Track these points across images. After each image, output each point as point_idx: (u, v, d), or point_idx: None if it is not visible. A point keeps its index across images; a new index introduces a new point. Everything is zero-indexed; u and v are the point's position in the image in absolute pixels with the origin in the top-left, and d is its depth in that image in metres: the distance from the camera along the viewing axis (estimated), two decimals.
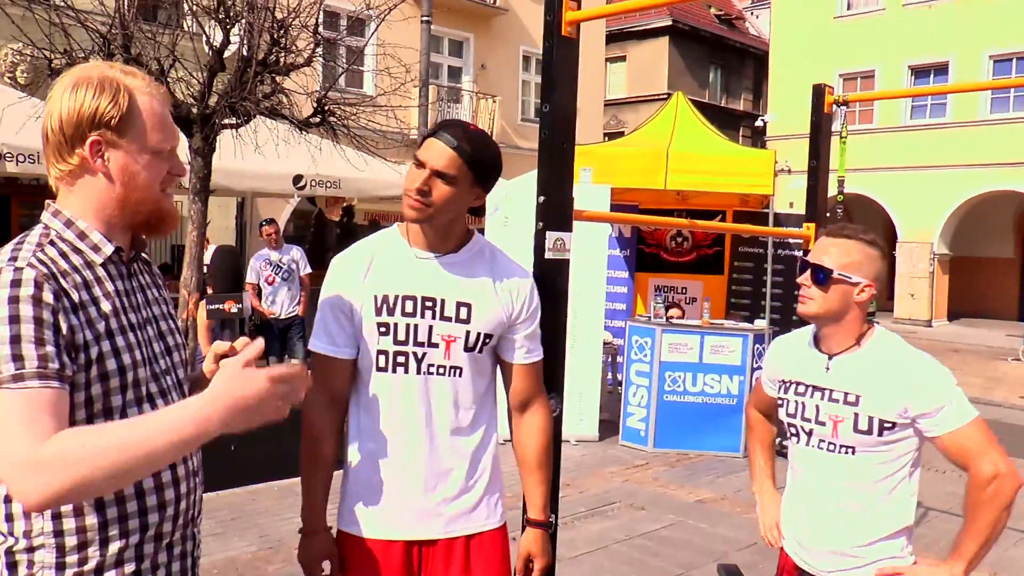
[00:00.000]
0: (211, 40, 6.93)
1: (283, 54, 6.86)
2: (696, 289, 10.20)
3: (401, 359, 2.11)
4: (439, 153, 2.04)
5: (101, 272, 1.54)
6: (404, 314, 2.10)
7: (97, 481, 1.33)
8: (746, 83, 37.25)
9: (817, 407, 2.34)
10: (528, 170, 11.00)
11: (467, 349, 2.13)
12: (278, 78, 7.08)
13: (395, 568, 2.14)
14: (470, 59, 20.78)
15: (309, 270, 8.99)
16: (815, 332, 2.42)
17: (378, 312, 2.10)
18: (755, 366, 7.79)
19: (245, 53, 6.72)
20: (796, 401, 2.41)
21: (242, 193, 13.80)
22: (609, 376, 9.60)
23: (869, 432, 2.24)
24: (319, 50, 7.27)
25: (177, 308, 1.73)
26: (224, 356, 1.72)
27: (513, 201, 7.94)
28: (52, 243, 1.51)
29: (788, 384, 2.45)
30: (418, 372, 2.11)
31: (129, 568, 1.53)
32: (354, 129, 7.42)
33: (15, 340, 1.36)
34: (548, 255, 2.50)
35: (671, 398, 7.84)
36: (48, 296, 1.40)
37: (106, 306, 1.51)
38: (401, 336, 2.10)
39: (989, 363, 16.21)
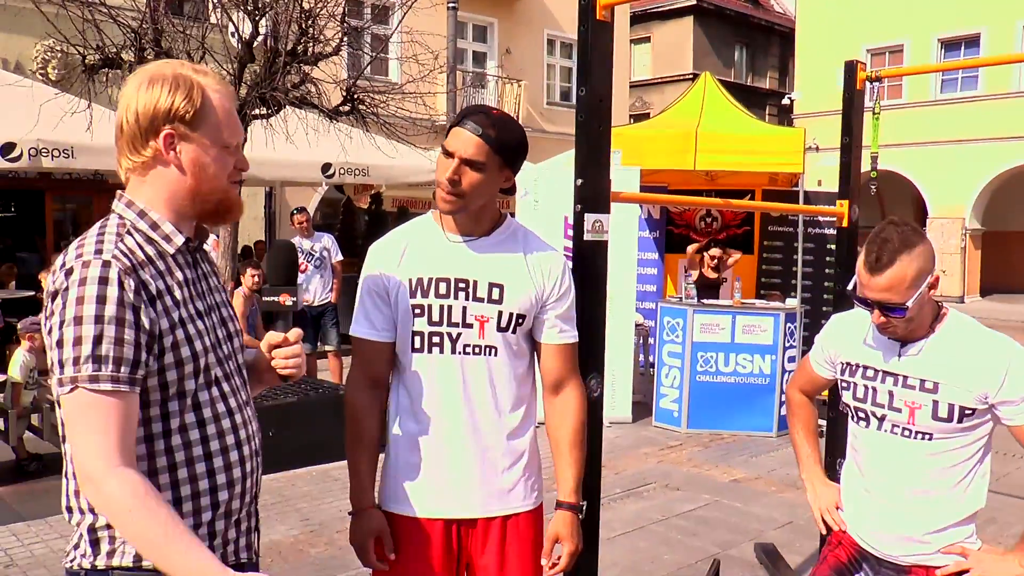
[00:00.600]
0: (240, 32, 7.00)
1: (311, 44, 6.92)
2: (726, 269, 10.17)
3: (436, 339, 2.15)
4: (465, 141, 2.08)
5: (171, 262, 1.61)
6: (438, 296, 2.14)
7: (121, 530, 1.47)
8: (772, 61, 36.85)
9: (891, 392, 2.30)
10: (555, 153, 10.99)
11: (500, 329, 2.17)
12: (306, 68, 7.14)
13: (435, 546, 2.18)
14: (495, 44, 20.73)
15: (340, 257, 9.06)
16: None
17: (412, 294, 2.15)
18: (787, 345, 7.78)
19: (274, 44, 6.78)
20: (866, 386, 2.36)
21: (271, 183, 13.92)
22: (641, 358, 9.61)
23: (949, 419, 2.21)
24: (346, 39, 7.31)
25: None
26: (277, 346, 1.82)
27: (542, 184, 7.96)
28: (129, 233, 1.57)
29: (855, 367, 2.40)
30: (453, 352, 2.15)
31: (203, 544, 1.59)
32: (383, 117, 7.47)
33: (97, 341, 1.44)
34: (587, 236, 2.52)
35: (704, 379, 7.85)
36: (130, 295, 1.48)
37: (178, 295, 1.59)
38: (435, 317, 2.14)
39: (1022, 338, 16.00)
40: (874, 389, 2.33)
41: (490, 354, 2.17)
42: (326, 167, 9.94)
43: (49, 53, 12.15)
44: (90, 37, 6.76)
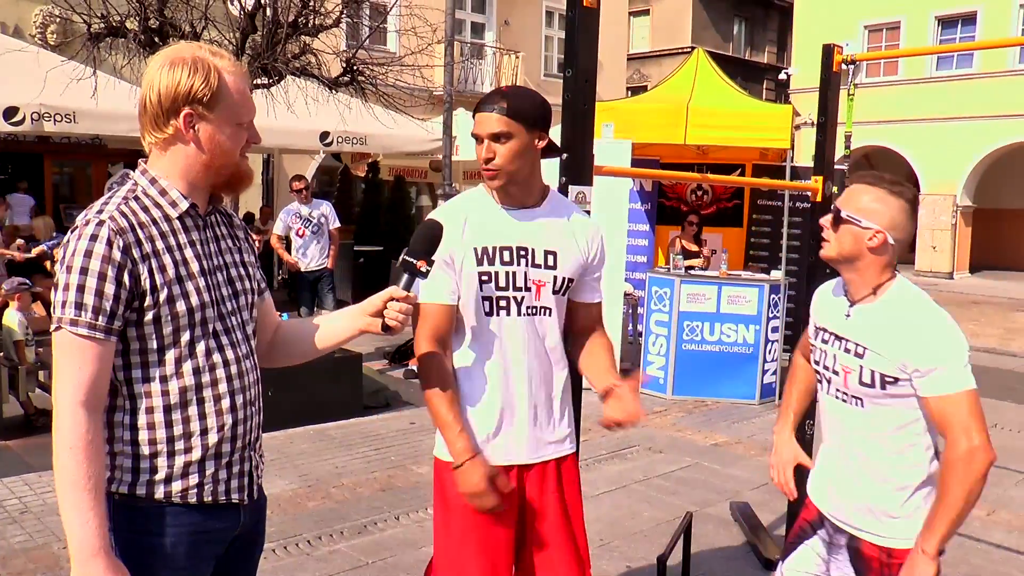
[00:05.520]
0: (242, 2, 7.14)
1: (312, 15, 7.06)
2: (716, 241, 10.39)
3: (503, 303, 2.37)
4: (486, 121, 2.29)
5: (177, 224, 1.78)
6: (503, 263, 2.36)
7: (55, 458, 1.65)
8: (770, 36, 36.82)
9: (835, 356, 2.35)
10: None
11: (554, 292, 2.42)
12: (307, 39, 7.29)
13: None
14: (493, 15, 20.77)
15: (338, 224, 9.24)
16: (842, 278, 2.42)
17: (479, 263, 2.34)
18: (771, 316, 8.01)
19: (275, 15, 6.92)
20: (822, 349, 2.42)
21: (269, 150, 14.05)
22: (630, 327, 9.86)
23: (872, 385, 2.24)
24: (346, 11, 7.45)
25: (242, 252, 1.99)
26: (393, 300, 1.98)
27: None
28: (136, 198, 1.76)
29: (818, 331, 2.47)
30: (519, 314, 2.38)
31: (193, 480, 1.78)
32: (382, 88, 7.62)
33: (80, 289, 1.64)
34: None
35: (689, 347, 8.09)
36: (116, 253, 1.66)
37: (178, 255, 1.76)
38: (502, 283, 2.36)
39: (1009, 314, 16.31)
40: (825, 352, 2.41)
41: (546, 314, 2.43)
42: (324, 135, 10.10)
43: (48, 18, 12.22)
44: (95, 5, 6.89)
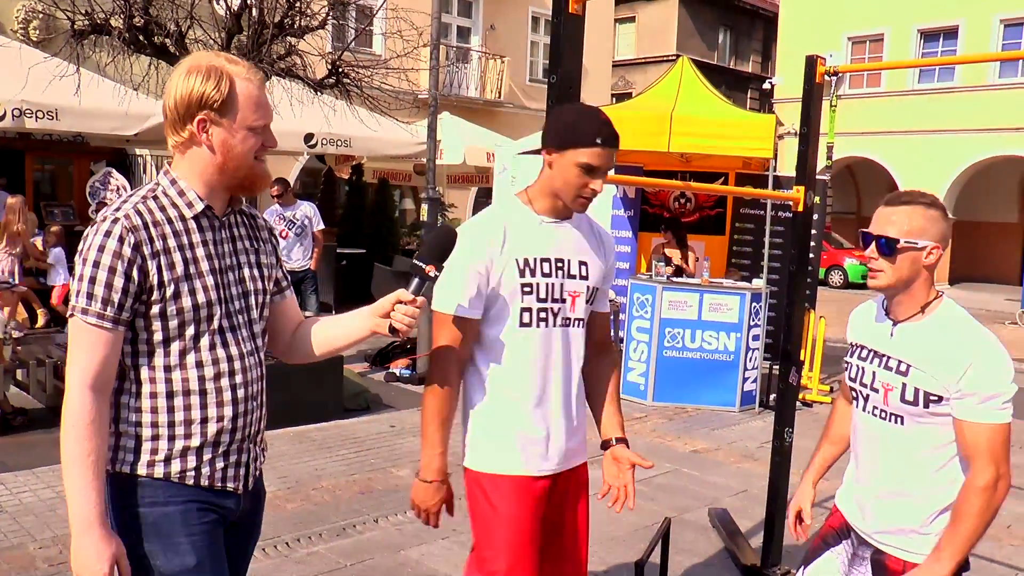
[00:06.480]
0: (228, 2, 7.12)
1: (298, 16, 7.05)
2: (699, 249, 10.43)
3: (543, 314, 2.37)
4: (609, 159, 2.28)
5: (192, 224, 1.88)
6: (543, 275, 2.36)
7: (62, 435, 1.76)
8: (755, 45, 37.08)
9: (874, 373, 2.34)
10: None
11: (586, 302, 2.45)
12: (293, 40, 7.28)
13: (535, 499, 2.41)
14: (479, 19, 20.81)
15: (322, 226, 9.22)
16: (884, 298, 2.42)
17: (522, 274, 2.33)
18: (752, 324, 8.06)
19: (261, 15, 6.91)
20: (858, 366, 2.41)
21: None
22: (611, 333, 9.86)
23: (915, 403, 2.22)
24: (332, 13, 7.44)
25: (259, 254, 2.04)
26: (404, 303, 2.00)
27: (520, 161, 8.14)
28: (155, 197, 1.86)
29: (855, 348, 2.46)
30: (555, 325, 2.39)
31: (191, 463, 1.88)
32: (367, 90, 7.62)
33: (92, 280, 1.76)
34: None
35: (670, 354, 8.12)
36: (127, 249, 1.76)
37: (188, 253, 1.85)
38: (543, 294, 2.36)
39: (987, 326, 16.37)
40: (863, 369, 2.39)
41: (578, 325, 2.45)
42: (308, 137, 10.09)
43: (31, 14, 12.13)
44: (79, 2, 6.86)
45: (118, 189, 12.82)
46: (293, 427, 6.53)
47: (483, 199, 19.35)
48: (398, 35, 7.68)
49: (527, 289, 2.34)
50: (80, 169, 13.78)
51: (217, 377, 1.89)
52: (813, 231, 4.49)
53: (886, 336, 2.33)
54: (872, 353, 2.37)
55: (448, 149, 13.11)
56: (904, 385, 2.24)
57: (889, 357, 2.30)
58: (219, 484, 1.93)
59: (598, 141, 2.25)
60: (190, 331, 1.86)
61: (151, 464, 1.85)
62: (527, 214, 2.40)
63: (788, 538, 3.82)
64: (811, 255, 6.26)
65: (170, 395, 1.85)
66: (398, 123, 9.60)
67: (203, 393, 1.88)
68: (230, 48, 6.99)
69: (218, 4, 7.32)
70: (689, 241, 9.81)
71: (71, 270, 9.11)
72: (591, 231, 2.50)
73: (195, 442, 1.88)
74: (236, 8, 7.00)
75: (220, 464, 1.93)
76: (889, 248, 2.24)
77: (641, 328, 8.24)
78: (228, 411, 1.92)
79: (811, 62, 4.08)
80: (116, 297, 1.76)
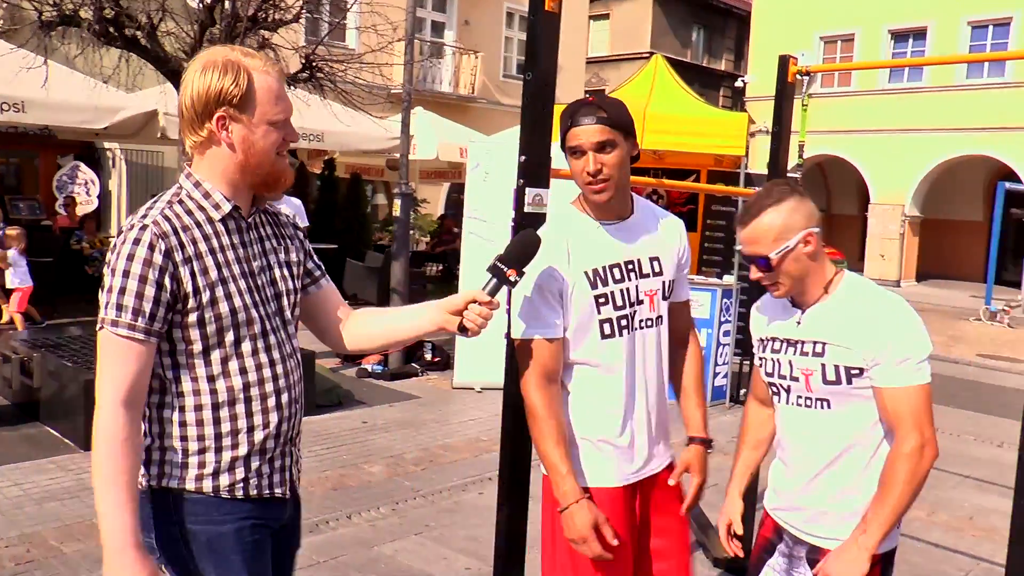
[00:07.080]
0: None
1: (271, 10, 7.00)
2: None
3: (623, 322, 2.29)
4: (589, 132, 2.19)
5: (220, 227, 1.81)
6: (615, 281, 2.28)
7: (93, 452, 1.68)
8: (728, 43, 37.30)
9: (791, 362, 2.29)
10: (508, 126, 11.10)
11: (664, 298, 2.38)
12: (266, 34, 7.22)
13: (628, 509, 2.35)
14: (454, 14, 20.76)
15: (307, 223, 9.12)
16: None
17: (594, 285, 2.26)
18: (723, 320, 8.12)
19: (234, 8, 6.85)
20: (772, 359, 2.36)
21: None
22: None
23: (838, 381, 2.19)
24: (306, 7, 7.40)
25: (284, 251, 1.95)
26: (479, 303, 1.95)
27: (493, 157, 8.14)
28: (180, 201, 1.79)
29: (765, 342, 2.40)
30: (636, 328, 2.32)
31: (239, 475, 1.82)
32: (341, 84, 7.58)
33: (122, 291, 1.68)
34: (527, 209, 2.78)
35: None
36: (158, 257, 1.69)
37: (220, 257, 1.79)
38: (619, 302, 2.28)
39: (952, 322, 16.71)
40: (778, 361, 2.34)
41: (659, 324, 2.38)
42: None
43: None
44: None
45: (86, 183, 12.69)
46: None
47: (455, 194, 19.33)
48: (373, 29, 7.65)
49: (602, 300, 2.27)
50: (47, 162, 13.60)
51: (261, 383, 1.83)
52: None
53: (794, 324, 2.30)
54: (784, 343, 2.32)
55: (421, 144, 13.07)
56: (823, 366, 2.20)
57: (802, 342, 2.26)
58: (267, 492, 1.87)
59: (570, 124, 2.22)
60: (229, 337, 1.79)
61: (199, 479, 1.79)
62: (586, 222, 2.33)
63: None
64: None
65: (216, 406, 1.79)
66: (371, 118, 9.55)
67: (248, 400, 1.81)
68: (202, 41, 6.93)
69: None
70: None
71: (32, 275, 8.95)
72: (655, 221, 2.41)
73: (242, 451, 1.82)
74: (209, 1, 6.94)
75: (266, 471, 1.87)
76: (768, 264, 2.21)
77: None
78: (274, 417, 1.86)
79: (783, 61, 4.13)
80: (147, 307, 1.68)
